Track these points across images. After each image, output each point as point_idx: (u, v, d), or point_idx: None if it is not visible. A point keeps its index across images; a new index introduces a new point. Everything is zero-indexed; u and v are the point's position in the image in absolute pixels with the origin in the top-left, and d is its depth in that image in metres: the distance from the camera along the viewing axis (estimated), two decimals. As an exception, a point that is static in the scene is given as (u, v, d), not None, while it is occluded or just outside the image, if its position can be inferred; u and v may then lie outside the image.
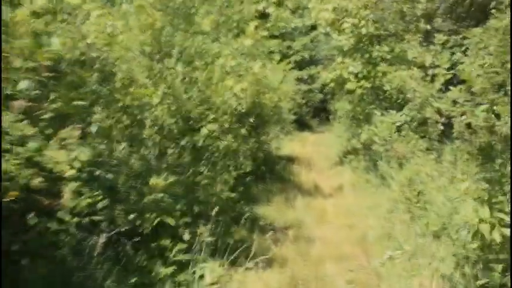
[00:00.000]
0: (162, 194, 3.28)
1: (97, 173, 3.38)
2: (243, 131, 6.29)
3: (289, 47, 15.99)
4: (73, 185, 2.56)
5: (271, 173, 8.75)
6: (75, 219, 2.80)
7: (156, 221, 3.22)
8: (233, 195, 5.12)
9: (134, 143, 4.69)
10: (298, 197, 7.49)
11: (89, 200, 2.78)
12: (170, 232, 3.42)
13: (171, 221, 3.28)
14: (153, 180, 3.31)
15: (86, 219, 2.95)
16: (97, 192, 3.04)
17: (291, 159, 10.87)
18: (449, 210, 4.36)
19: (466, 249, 3.35)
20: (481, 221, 3.16)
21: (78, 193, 2.77)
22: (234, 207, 6.00)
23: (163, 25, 5.62)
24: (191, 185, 5.00)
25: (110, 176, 3.44)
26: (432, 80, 6.48)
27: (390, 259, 4.47)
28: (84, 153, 2.49)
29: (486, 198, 3.29)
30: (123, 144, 3.64)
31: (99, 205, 3.16)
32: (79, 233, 2.98)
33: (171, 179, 3.52)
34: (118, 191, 3.34)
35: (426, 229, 4.53)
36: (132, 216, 3.14)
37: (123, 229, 3.15)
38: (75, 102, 2.91)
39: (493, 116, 3.99)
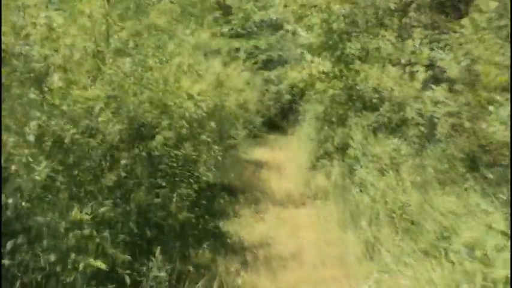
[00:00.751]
0: (88, 230, 2.52)
1: (9, 200, 2.59)
2: (204, 137, 5.58)
3: (256, 47, 15.39)
4: None
5: (239, 181, 8.06)
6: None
7: (81, 266, 2.46)
8: (192, 215, 4.40)
9: (73, 156, 3.90)
10: (269, 208, 6.84)
11: None
12: (107, 274, 2.67)
13: (101, 265, 2.54)
14: (76, 214, 2.55)
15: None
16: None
17: (259, 165, 10.22)
18: (440, 225, 3.81)
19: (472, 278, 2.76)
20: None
21: None
22: (197, 224, 5.27)
23: (108, 18, 4.84)
24: (144, 205, 4.25)
25: (28, 204, 2.66)
26: (411, 78, 5.97)
27: (377, 283, 3.88)
28: None
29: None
30: (45, 162, 2.84)
31: (8, 245, 2.38)
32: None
33: (104, 206, 2.75)
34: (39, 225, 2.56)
35: (415, 246, 3.97)
36: (52, 258, 2.38)
37: (42, 275, 2.38)
38: None
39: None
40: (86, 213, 2.59)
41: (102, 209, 2.73)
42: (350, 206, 5.92)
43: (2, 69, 3.57)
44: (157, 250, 3.27)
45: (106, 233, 2.72)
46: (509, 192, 3.80)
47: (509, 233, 3.21)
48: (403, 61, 6.21)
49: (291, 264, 4.71)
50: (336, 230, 5.52)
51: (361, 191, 5.89)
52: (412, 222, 4.30)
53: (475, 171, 4.34)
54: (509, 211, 3.45)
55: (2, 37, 3.64)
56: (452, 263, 3.23)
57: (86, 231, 2.55)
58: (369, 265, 4.26)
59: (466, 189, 4.34)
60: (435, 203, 4.23)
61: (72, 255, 2.46)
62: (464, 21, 4.82)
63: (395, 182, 4.86)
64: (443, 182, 4.49)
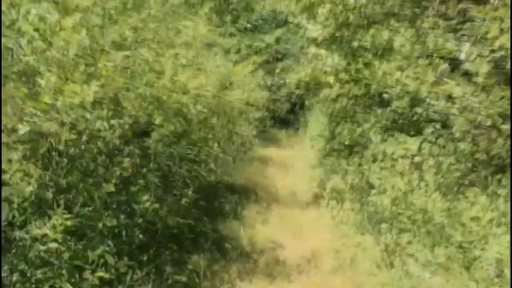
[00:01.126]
0: (55, 244, 2.18)
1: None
2: (204, 134, 5.23)
3: (262, 41, 15.02)
4: None
5: (244, 180, 7.72)
6: None
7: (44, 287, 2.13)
8: (187, 219, 4.06)
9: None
10: (273, 208, 6.48)
11: None
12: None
13: (66, 285, 2.20)
14: (41, 227, 2.20)
15: None
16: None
17: (264, 161, 9.86)
18: (463, 235, 3.42)
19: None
20: None
21: None
22: (194, 227, 4.93)
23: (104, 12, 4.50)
24: (139, 208, 3.91)
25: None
26: (425, 72, 5.54)
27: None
28: None
29: None
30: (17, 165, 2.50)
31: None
32: None
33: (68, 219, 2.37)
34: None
35: (432, 257, 3.58)
36: (14, 277, 2.06)
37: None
38: None
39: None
40: (54, 225, 2.24)
41: (72, 221, 2.37)
42: (359, 207, 5.54)
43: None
44: (144, 259, 2.93)
45: (79, 245, 2.39)
46: (510, 192, 3.45)
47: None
48: (418, 54, 5.80)
49: (294, 273, 4.33)
50: (344, 235, 5.14)
51: (371, 192, 5.50)
52: (428, 231, 3.90)
53: (501, 173, 3.93)
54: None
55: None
56: (477, 281, 2.85)
57: (53, 245, 2.21)
58: (382, 277, 3.88)
59: (488, 195, 3.95)
60: (458, 208, 3.85)
61: (38, 273, 2.13)
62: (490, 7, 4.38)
63: (416, 184, 4.45)
64: (465, 185, 4.10)
